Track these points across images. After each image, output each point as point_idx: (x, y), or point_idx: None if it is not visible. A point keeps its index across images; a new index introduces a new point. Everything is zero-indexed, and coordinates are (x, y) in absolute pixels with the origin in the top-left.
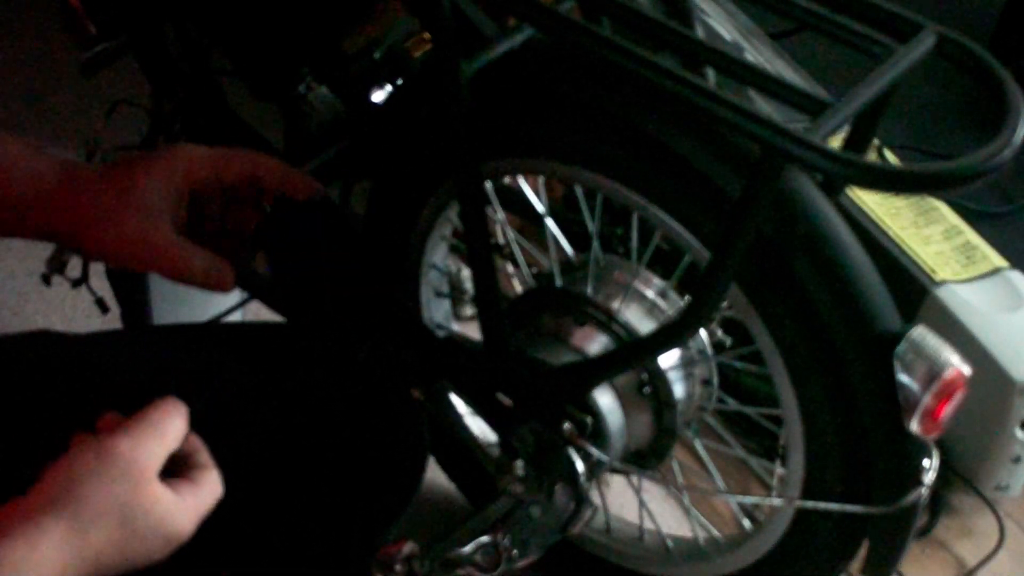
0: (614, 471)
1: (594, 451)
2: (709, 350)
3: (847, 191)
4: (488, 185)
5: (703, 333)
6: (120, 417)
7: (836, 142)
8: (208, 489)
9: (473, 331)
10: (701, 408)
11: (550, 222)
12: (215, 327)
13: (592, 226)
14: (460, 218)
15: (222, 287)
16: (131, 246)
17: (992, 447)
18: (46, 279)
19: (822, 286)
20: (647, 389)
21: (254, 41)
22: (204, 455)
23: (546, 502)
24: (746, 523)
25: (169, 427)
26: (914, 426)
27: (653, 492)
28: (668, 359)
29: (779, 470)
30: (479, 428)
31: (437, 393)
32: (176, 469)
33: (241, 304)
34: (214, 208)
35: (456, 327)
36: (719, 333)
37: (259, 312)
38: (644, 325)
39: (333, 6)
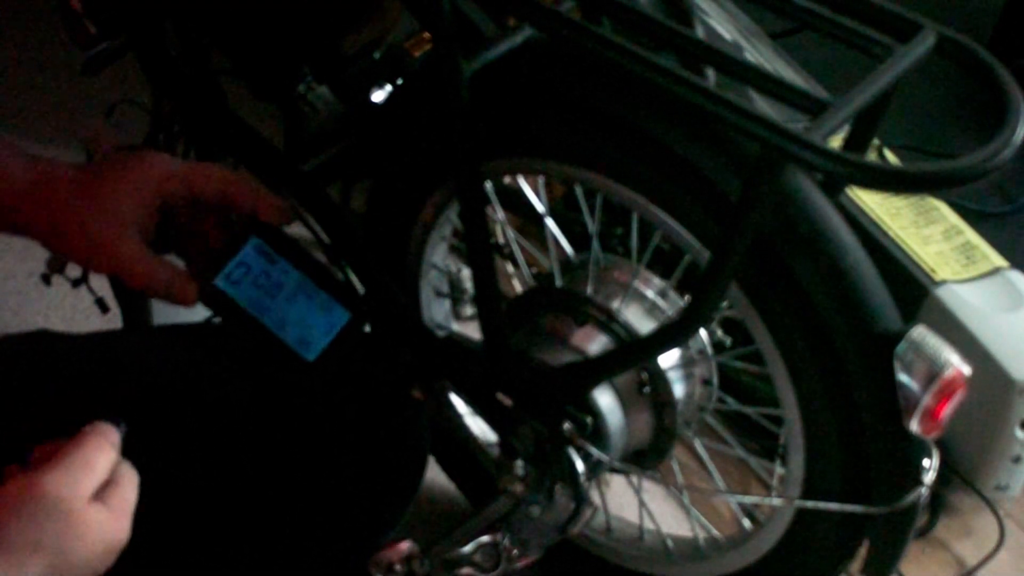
0: (614, 471)
1: (594, 451)
2: (709, 350)
3: (847, 191)
4: (488, 185)
5: (703, 333)
6: (53, 447)
7: (836, 142)
8: (128, 483)
9: (473, 331)
10: (701, 408)
11: (550, 222)
12: (215, 327)
13: (592, 226)
14: (460, 218)
15: (184, 301)
16: (97, 252)
17: (992, 447)
18: (46, 279)
19: (822, 286)
20: (647, 389)
21: (254, 41)
22: None
23: (546, 502)
24: (746, 523)
25: (98, 458)
26: (914, 426)
27: (653, 492)
28: (668, 359)
29: (779, 470)
30: (479, 428)
31: (437, 393)
32: None
33: None
34: (183, 219)
35: (456, 327)
36: (719, 333)
37: None
38: (644, 325)
39: (333, 6)
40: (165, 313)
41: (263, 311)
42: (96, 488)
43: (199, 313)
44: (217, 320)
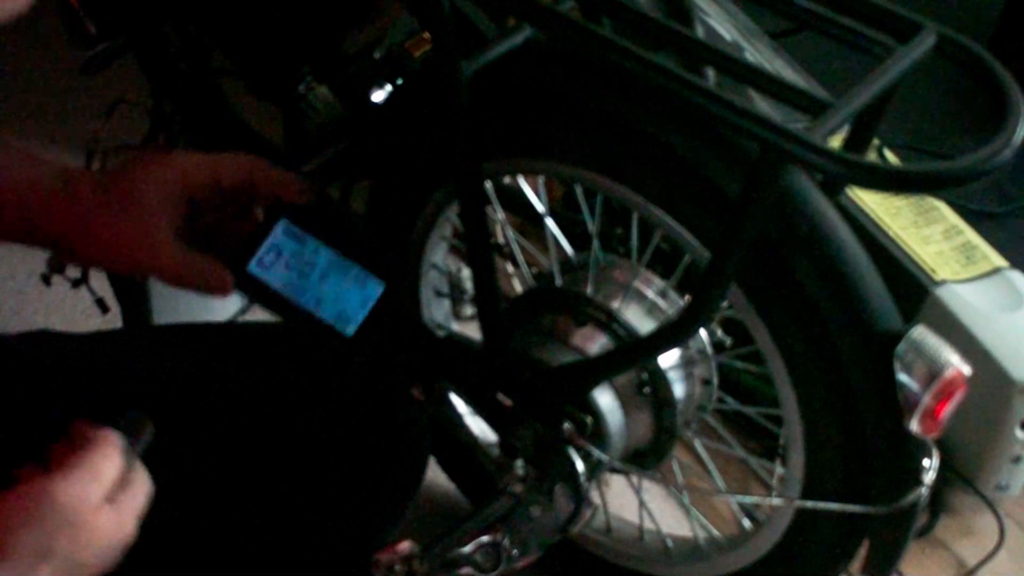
0: (614, 471)
1: (594, 451)
2: (709, 350)
3: (847, 191)
4: (488, 185)
5: (703, 333)
6: (65, 447)
7: (836, 142)
8: (139, 486)
9: (473, 331)
10: (701, 408)
11: (550, 222)
12: (215, 327)
13: (592, 226)
14: (460, 218)
15: (221, 292)
16: (131, 255)
17: (992, 447)
18: (46, 279)
19: (822, 286)
20: (647, 389)
21: (254, 41)
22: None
23: (546, 502)
24: (746, 523)
25: (104, 465)
26: (914, 426)
27: (653, 492)
28: (668, 359)
29: (779, 470)
30: (479, 428)
31: (437, 393)
32: None
33: (244, 309)
34: (208, 210)
35: (456, 327)
36: (719, 333)
37: (259, 312)
38: (644, 325)
39: (333, 6)
40: (165, 313)
41: (298, 292)
42: (105, 495)
43: (199, 313)
44: (240, 315)
